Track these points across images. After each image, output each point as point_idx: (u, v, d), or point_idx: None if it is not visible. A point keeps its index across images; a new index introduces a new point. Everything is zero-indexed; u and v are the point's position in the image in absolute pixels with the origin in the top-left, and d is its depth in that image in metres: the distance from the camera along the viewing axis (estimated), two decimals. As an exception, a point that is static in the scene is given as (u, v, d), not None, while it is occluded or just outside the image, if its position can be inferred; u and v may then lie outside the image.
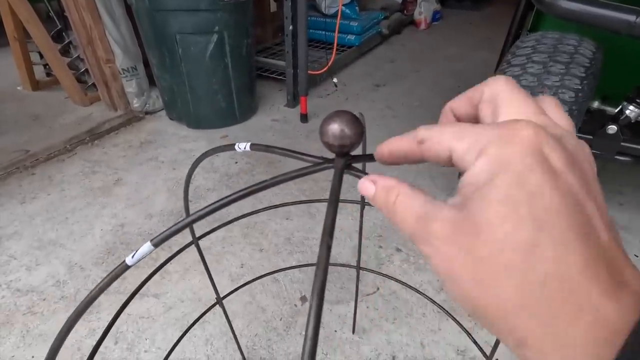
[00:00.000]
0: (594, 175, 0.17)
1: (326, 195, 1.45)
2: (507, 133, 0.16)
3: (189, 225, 0.27)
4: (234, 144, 0.35)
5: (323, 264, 0.20)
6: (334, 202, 0.24)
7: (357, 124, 0.25)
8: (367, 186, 0.21)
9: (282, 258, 1.17)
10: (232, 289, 0.83)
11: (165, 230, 0.27)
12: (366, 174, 0.27)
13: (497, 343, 0.62)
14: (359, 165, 0.28)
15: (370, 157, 0.27)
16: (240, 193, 0.27)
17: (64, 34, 2.08)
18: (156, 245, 0.27)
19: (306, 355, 0.17)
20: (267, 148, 0.32)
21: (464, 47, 3.17)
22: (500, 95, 0.19)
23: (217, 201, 0.27)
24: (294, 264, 1.16)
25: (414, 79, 2.55)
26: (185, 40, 1.62)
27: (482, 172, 0.16)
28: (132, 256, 0.27)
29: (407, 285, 0.87)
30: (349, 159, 0.26)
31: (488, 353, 0.65)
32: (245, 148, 0.34)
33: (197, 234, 0.66)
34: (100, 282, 0.27)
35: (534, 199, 0.15)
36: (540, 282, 0.14)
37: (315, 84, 2.36)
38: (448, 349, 0.92)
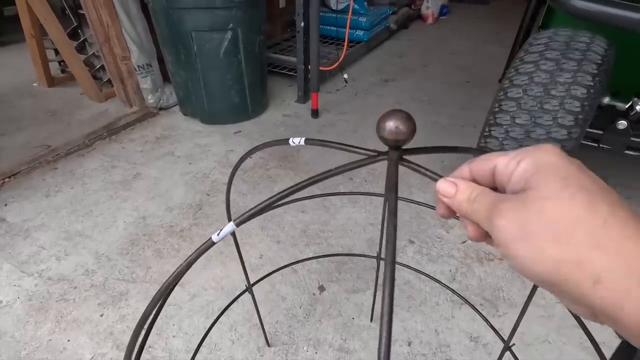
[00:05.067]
0: None
1: (339, 189, 1.48)
2: (536, 148, 0.23)
3: (268, 207, 0.31)
4: (288, 139, 0.39)
5: (392, 241, 0.24)
6: (394, 190, 0.27)
7: (410, 121, 0.29)
8: (447, 186, 0.26)
9: (299, 249, 1.22)
10: (252, 278, 0.87)
11: (247, 212, 0.31)
12: (418, 165, 0.30)
13: (514, 329, 0.66)
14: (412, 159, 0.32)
15: (420, 150, 0.31)
16: (310, 180, 0.31)
17: (79, 31, 2.12)
18: (238, 225, 0.31)
19: (385, 310, 0.21)
20: (322, 142, 0.35)
21: (472, 41, 3.18)
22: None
23: (290, 187, 0.31)
24: (310, 255, 1.20)
25: (422, 73, 2.57)
26: (201, 37, 1.66)
27: (527, 169, 0.22)
28: (218, 234, 0.31)
29: (423, 273, 0.91)
30: (402, 152, 0.30)
31: (499, 340, 0.69)
32: (299, 142, 0.37)
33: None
34: (189, 257, 0.31)
35: (578, 178, 0.21)
36: (602, 225, 0.19)
37: (324, 80, 2.39)
38: (462, 335, 0.96)
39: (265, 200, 0.31)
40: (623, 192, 1.46)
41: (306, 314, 1.02)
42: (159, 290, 0.32)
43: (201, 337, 0.92)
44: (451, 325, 0.99)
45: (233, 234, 0.70)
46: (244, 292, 0.79)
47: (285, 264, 1.12)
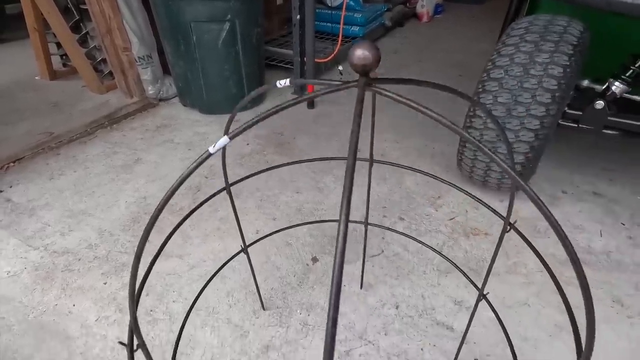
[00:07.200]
0: None
1: (333, 173, 1.54)
2: None
3: (258, 122, 0.36)
4: (275, 82, 0.45)
5: (351, 167, 0.29)
6: (359, 115, 0.33)
7: (375, 50, 0.34)
8: None
9: (294, 225, 1.27)
10: (250, 252, 0.92)
11: (241, 126, 0.36)
12: (384, 89, 0.36)
13: (487, 275, 0.71)
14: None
15: (388, 80, 0.36)
16: (295, 101, 0.36)
17: (81, 24, 2.18)
18: (231, 138, 0.37)
19: (341, 229, 0.27)
20: (305, 81, 0.41)
21: (465, 39, 3.25)
22: None
23: (280, 104, 0.36)
24: (304, 230, 1.25)
25: (417, 68, 2.63)
26: (200, 28, 1.72)
27: None
28: (213, 147, 0.37)
29: (411, 237, 0.96)
30: (370, 79, 0.36)
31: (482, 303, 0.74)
32: (285, 84, 0.43)
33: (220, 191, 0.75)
34: (186, 170, 0.37)
35: None
36: None
37: (320, 74, 2.45)
38: (447, 300, 1.02)
39: (257, 116, 0.37)
40: (606, 175, 1.52)
41: (300, 281, 1.07)
42: (159, 204, 0.37)
43: (199, 301, 0.97)
44: (437, 291, 1.04)
45: (230, 195, 0.75)
46: (239, 252, 0.85)
47: (281, 238, 1.17)
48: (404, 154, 1.67)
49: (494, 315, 0.75)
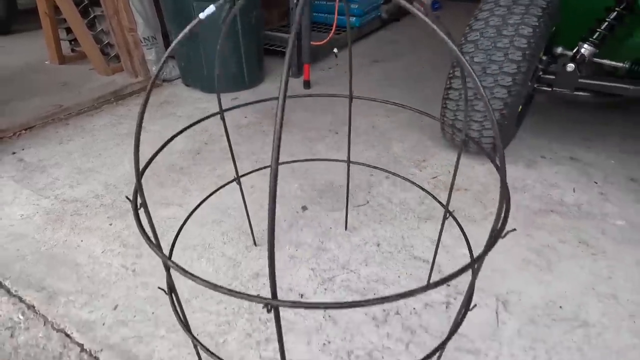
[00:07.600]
0: None
1: (325, 142, 1.62)
2: None
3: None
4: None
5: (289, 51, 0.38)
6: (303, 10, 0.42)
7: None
8: None
9: (286, 181, 1.36)
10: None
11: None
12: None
13: (450, 192, 0.80)
14: None
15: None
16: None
17: (90, 9, 2.29)
18: (217, 8, 0.46)
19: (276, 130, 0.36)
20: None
21: (460, 34, 3.35)
22: None
23: None
24: (296, 186, 1.34)
25: (411, 57, 2.73)
26: (201, 7, 1.82)
27: None
28: (203, 14, 0.46)
29: (398, 175, 1.04)
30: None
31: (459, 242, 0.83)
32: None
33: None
34: (180, 36, 0.46)
35: None
36: None
37: (317, 59, 2.55)
38: (425, 239, 1.10)
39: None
40: (584, 143, 1.60)
41: (290, 225, 1.16)
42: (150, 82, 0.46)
43: (196, 240, 1.06)
44: (416, 233, 1.13)
45: (223, 121, 0.84)
46: (231, 181, 0.94)
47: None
48: (395, 126, 1.76)
49: (467, 252, 0.84)
